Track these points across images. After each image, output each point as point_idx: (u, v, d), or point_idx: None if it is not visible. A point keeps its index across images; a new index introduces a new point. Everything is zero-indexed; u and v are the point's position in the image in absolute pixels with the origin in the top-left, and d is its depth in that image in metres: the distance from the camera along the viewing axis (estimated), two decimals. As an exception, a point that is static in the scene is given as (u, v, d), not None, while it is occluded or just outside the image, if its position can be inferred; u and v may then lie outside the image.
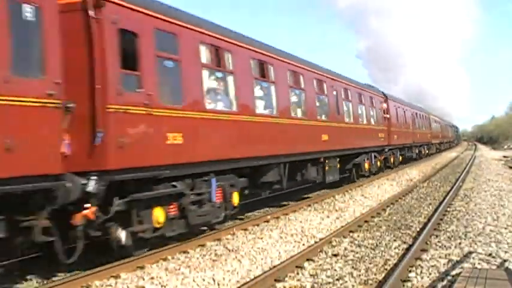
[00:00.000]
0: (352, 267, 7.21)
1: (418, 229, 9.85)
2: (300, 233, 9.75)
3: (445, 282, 6.25)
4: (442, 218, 10.83)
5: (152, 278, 6.77)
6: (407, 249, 8.06)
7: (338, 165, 15.80)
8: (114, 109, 6.69)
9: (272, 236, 9.33)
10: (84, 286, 6.45)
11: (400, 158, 26.75)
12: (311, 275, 6.86)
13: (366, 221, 10.91)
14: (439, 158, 39.38)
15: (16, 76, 5.38)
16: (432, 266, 7.01)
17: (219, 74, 9.67)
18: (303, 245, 8.83)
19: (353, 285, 6.39)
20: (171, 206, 7.97)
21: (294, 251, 8.31)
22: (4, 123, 5.27)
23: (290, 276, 6.83)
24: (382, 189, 17.27)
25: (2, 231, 5.54)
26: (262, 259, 7.77)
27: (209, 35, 9.08)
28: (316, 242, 8.79)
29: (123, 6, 7.00)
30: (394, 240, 8.93)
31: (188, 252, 8.19)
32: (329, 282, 6.50)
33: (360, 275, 6.78)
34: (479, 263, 7.02)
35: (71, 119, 6.27)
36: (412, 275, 6.63)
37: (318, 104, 14.28)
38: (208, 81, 9.21)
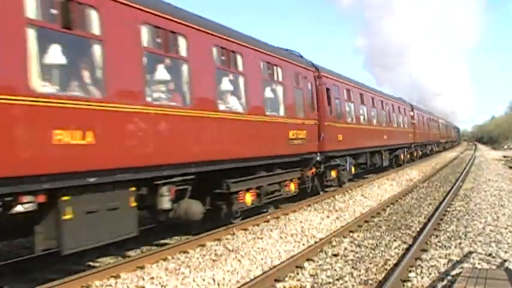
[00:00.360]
0: (352, 267, 7.21)
1: (418, 229, 9.85)
2: (300, 233, 9.75)
3: (445, 282, 6.25)
4: (442, 218, 10.83)
5: (152, 278, 6.77)
6: (407, 249, 8.06)
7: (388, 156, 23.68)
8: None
9: (272, 236, 9.33)
10: (84, 286, 6.46)
11: (420, 153, 35.20)
12: (311, 275, 6.86)
13: (366, 221, 10.91)
14: (439, 158, 39.38)
15: None
16: (432, 266, 7.01)
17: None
18: (303, 245, 8.83)
19: (353, 285, 6.39)
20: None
21: (294, 251, 8.31)
22: None
23: (290, 276, 6.84)
24: (382, 189, 17.27)
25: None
26: (262, 259, 7.77)
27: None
28: (316, 242, 8.79)
29: None
30: (394, 240, 8.93)
31: (188, 252, 8.19)
32: (329, 282, 6.51)
33: (360, 275, 6.78)
34: (479, 263, 7.03)
35: None
36: (412, 275, 6.64)
37: (379, 115, 21.84)
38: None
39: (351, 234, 9.57)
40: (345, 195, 15.40)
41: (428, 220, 10.57)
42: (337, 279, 6.60)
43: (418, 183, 18.90)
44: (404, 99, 31.74)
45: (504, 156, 38.59)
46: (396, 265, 7.08)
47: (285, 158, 11.63)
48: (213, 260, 7.66)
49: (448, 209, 12.09)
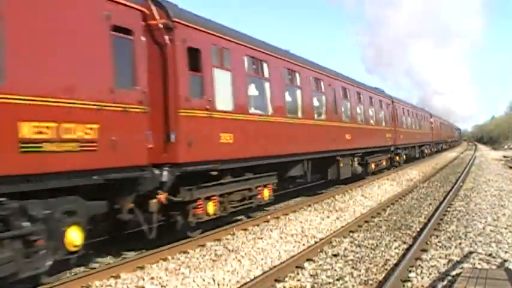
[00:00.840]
0: (352, 267, 7.20)
1: (418, 229, 9.85)
2: (300, 233, 9.74)
3: (445, 282, 6.24)
4: (442, 218, 10.83)
5: (152, 278, 6.77)
6: (408, 249, 8.06)
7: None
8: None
9: (272, 236, 9.32)
10: (84, 286, 6.45)
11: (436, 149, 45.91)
12: (311, 275, 6.86)
13: (366, 221, 10.91)
14: (439, 158, 39.39)
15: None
16: (432, 266, 7.01)
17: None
18: (303, 245, 8.83)
19: (353, 285, 6.39)
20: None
21: (294, 251, 8.31)
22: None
23: (290, 276, 6.83)
24: (382, 189, 17.27)
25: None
26: (262, 259, 7.77)
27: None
28: (316, 242, 8.79)
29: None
30: (394, 240, 8.93)
31: (188, 252, 8.19)
32: (329, 283, 6.50)
33: (360, 275, 6.78)
34: (479, 263, 7.02)
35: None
36: (412, 275, 6.63)
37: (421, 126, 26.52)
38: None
39: (351, 234, 9.57)
40: (345, 195, 15.40)
41: (429, 220, 10.57)
42: (337, 280, 6.59)
43: (418, 183, 18.90)
44: (425, 109, 43.44)
45: (504, 156, 38.60)
46: (396, 265, 7.08)
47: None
48: (213, 260, 7.66)
49: (448, 209, 12.08)
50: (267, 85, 11.26)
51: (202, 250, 8.38)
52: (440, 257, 7.48)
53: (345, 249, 8.38)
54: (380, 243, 8.77)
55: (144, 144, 7.30)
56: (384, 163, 23.05)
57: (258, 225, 10.48)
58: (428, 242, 8.55)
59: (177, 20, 8.10)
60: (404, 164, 28.47)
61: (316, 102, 14.23)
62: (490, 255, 7.46)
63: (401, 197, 15.11)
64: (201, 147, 8.48)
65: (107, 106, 6.51)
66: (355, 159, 17.91)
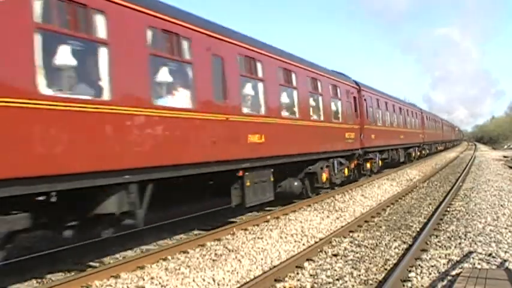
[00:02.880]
0: (352, 267, 7.21)
1: (418, 229, 9.85)
2: (300, 233, 9.75)
3: (445, 282, 6.24)
4: (442, 218, 10.83)
5: (152, 278, 6.77)
6: (407, 249, 8.06)
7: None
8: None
9: (272, 236, 9.33)
10: (84, 286, 6.46)
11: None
12: (311, 275, 6.86)
13: (366, 221, 10.91)
14: (439, 158, 39.39)
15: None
16: (432, 266, 7.01)
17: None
18: (303, 245, 8.83)
19: (353, 285, 6.39)
20: None
21: (294, 251, 8.31)
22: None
23: (290, 276, 6.83)
24: (382, 189, 17.27)
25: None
26: (262, 259, 7.77)
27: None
28: (316, 242, 8.79)
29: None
30: (394, 240, 8.93)
31: (188, 252, 8.19)
32: (329, 282, 6.50)
33: (360, 275, 6.78)
34: (479, 263, 7.02)
35: None
36: (412, 275, 6.63)
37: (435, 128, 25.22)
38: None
39: (351, 234, 9.57)
40: (345, 195, 15.40)
41: (428, 220, 10.57)
42: (337, 279, 6.60)
43: (418, 183, 18.89)
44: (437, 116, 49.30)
45: (504, 156, 38.60)
46: (396, 265, 7.08)
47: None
48: (213, 260, 7.66)
49: (448, 209, 12.08)
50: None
51: (202, 250, 8.39)
52: (440, 257, 7.48)
53: (345, 249, 8.38)
54: (380, 243, 8.77)
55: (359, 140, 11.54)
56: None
57: (258, 225, 10.48)
58: (428, 242, 8.55)
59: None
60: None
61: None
62: (489, 255, 7.46)
63: (401, 196, 15.11)
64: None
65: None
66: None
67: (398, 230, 9.86)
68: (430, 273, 6.68)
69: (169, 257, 7.86)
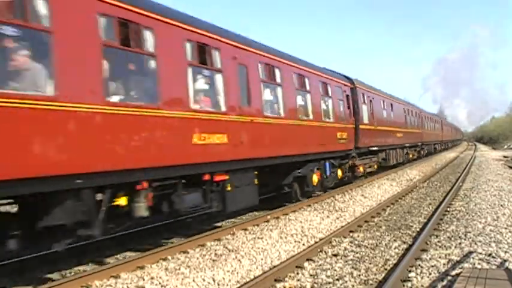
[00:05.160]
0: (352, 267, 7.21)
1: (418, 229, 9.85)
2: (300, 233, 9.75)
3: (445, 282, 6.24)
4: (442, 218, 10.83)
5: (152, 278, 6.77)
6: (407, 249, 8.06)
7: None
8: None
9: (272, 236, 9.33)
10: (84, 286, 6.46)
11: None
12: (311, 275, 6.86)
13: (366, 221, 10.91)
14: (439, 158, 39.38)
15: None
16: (432, 266, 7.00)
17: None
18: (303, 245, 8.83)
19: (353, 285, 6.39)
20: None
21: (294, 251, 8.31)
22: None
23: (290, 276, 6.83)
24: (382, 189, 17.27)
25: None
26: (262, 259, 7.77)
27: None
28: (316, 242, 8.79)
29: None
30: (394, 240, 8.93)
31: (188, 252, 8.19)
32: (329, 282, 6.50)
33: (360, 275, 6.78)
34: (479, 263, 7.02)
35: None
36: (412, 275, 6.63)
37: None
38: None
39: (351, 234, 9.57)
40: (345, 195, 15.40)
41: (428, 220, 10.57)
42: (337, 279, 6.60)
43: (418, 183, 18.89)
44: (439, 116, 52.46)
45: (504, 156, 38.57)
46: (396, 265, 7.08)
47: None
48: (213, 260, 7.66)
49: (448, 209, 12.08)
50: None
51: (202, 250, 8.39)
52: (440, 257, 7.48)
53: (345, 249, 8.38)
54: (380, 243, 8.77)
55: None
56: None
57: (258, 225, 10.48)
58: (428, 242, 8.55)
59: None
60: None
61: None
62: (489, 255, 7.46)
63: (401, 196, 15.11)
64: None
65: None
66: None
67: (399, 230, 9.86)
68: (430, 273, 6.68)
69: (169, 257, 7.86)
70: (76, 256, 8.08)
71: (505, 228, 9.40)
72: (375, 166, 20.71)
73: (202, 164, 8.55)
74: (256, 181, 10.63)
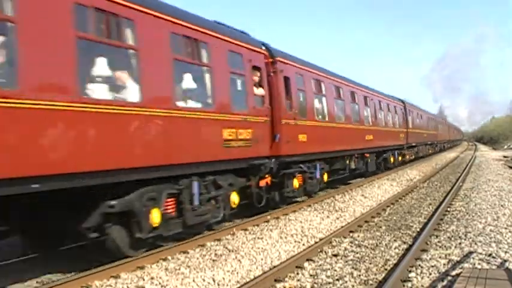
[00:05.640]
0: (352, 267, 7.21)
1: (418, 229, 9.85)
2: (300, 233, 9.74)
3: (445, 283, 6.24)
4: (442, 218, 10.83)
5: (152, 278, 6.77)
6: (408, 249, 8.06)
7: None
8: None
9: (272, 236, 9.33)
10: (84, 286, 6.45)
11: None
12: (311, 275, 6.86)
13: (366, 221, 10.91)
14: (439, 158, 39.39)
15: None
16: (432, 266, 7.01)
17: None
18: (303, 245, 8.83)
19: (353, 285, 6.39)
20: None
21: (294, 251, 8.31)
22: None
23: (290, 276, 6.83)
24: (382, 189, 17.27)
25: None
26: (262, 259, 7.77)
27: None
28: (316, 242, 8.79)
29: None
30: (394, 240, 8.93)
31: (188, 252, 8.19)
32: (329, 282, 6.50)
33: (360, 275, 6.78)
34: (479, 263, 7.02)
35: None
36: (412, 275, 6.63)
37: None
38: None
39: (351, 234, 9.57)
40: (345, 195, 15.40)
41: (429, 220, 10.57)
42: (337, 280, 6.59)
43: (418, 183, 18.89)
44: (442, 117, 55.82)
45: (504, 156, 38.57)
46: (396, 265, 7.08)
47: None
48: (213, 260, 7.66)
49: (448, 209, 12.08)
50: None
51: (202, 250, 8.39)
52: (440, 257, 7.48)
53: (345, 249, 8.38)
54: (380, 243, 8.77)
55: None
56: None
57: (258, 225, 10.48)
58: (428, 242, 8.55)
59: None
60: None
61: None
62: (490, 255, 7.46)
63: (401, 197, 15.11)
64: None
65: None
66: None
67: (399, 230, 9.86)
68: (430, 274, 6.68)
69: (169, 257, 7.86)
70: (76, 256, 8.07)
71: (505, 228, 9.40)
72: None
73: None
74: None
